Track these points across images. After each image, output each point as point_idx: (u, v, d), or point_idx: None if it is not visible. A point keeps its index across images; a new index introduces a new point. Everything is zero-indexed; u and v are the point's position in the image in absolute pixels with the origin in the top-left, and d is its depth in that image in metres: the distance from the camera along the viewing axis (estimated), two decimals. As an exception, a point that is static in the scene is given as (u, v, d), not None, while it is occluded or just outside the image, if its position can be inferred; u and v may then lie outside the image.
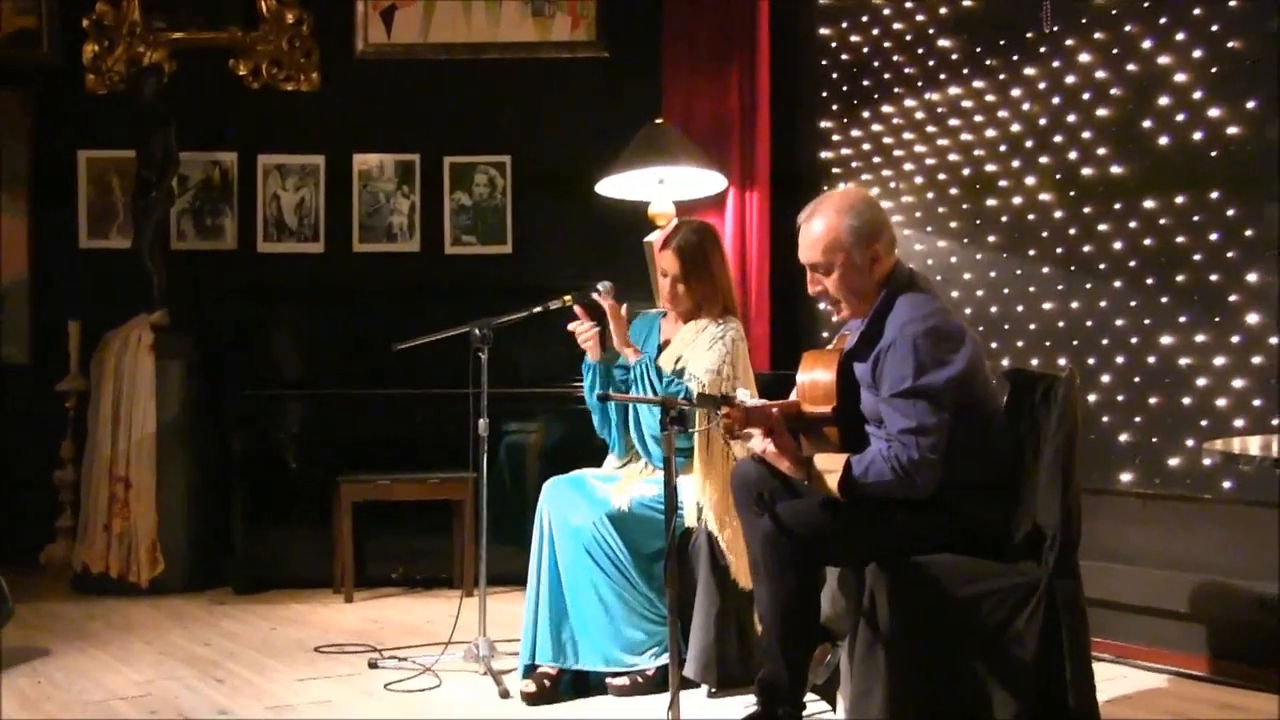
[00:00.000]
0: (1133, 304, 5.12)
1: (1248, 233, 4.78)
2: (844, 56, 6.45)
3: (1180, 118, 4.99)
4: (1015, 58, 5.59)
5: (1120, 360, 5.15)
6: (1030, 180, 5.52)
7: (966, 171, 5.80)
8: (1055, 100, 5.42)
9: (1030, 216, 5.52)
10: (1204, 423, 4.86)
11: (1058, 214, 5.41)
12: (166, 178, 6.81)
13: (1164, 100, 5.03)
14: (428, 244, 7.29)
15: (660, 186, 6.16)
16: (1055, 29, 5.37)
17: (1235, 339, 4.79)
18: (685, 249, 4.69)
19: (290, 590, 6.43)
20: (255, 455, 6.49)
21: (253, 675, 4.84)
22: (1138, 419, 5.09)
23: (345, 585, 6.26)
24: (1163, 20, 5.04)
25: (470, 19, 7.28)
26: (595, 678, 4.48)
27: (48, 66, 7.20)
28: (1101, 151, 5.26)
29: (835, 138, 6.50)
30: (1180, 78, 4.99)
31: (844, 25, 6.44)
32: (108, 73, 7.14)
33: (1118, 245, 5.18)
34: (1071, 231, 5.35)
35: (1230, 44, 4.85)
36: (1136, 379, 5.09)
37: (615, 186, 6.25)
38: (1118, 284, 5.18)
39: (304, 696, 4.53)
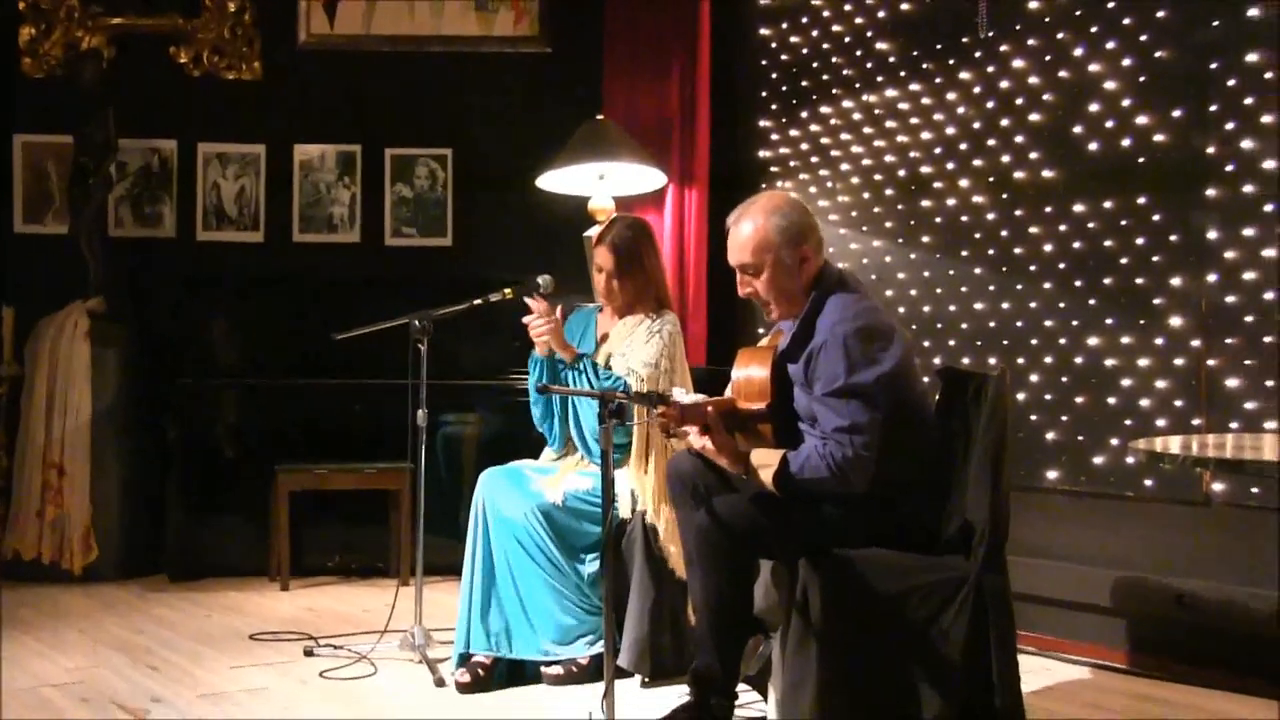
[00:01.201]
0: (1062, 305, 5.19)
1: (1172, 238, 4.85)
2: (783, 57, 6.48)
3: (1110, 124, 5.05)
4: (951, 62, 5.64)
5: (1049, 360, 5.21)
6: (964, 182, 5.57)
7: (902, 173, 5.85)
8: (989, 104, 5.48)
9: (963, 218, 5.57)
10: (1128, 422, 4.93)
11: (990, 216, 5.47)
12: (104, 164, 6.73)
13: (1094, 107, 5.10)
14: (368, 235, 7.26)
15: (600, 182, 6.17)
16: (990, 35, 5.41)
17: (1159, 341, 4.86)
18: (619, 244, 4.71)
19: (226, 578, 6.39)
20: (192, 444, 6.43)
21: (186, 663, 4.80)
22: (1065, 418, 5.15)
23: (281, 574, 6.23)
24: (1094, 29, 5.10)
25: (413, 12, 7.24)
26: (530, 667, 4.49)
27: (-18, 50, 7.10)
28: (1034, 156, 5.32)
29: (774, 137, 6.53)
30: (1110, 85, 5.05)
31: (784, 26, 6.47)
32: (45, 57, 7.04)
33: (1048, 248, 5.24)
34: (1003, 233, 5.41)
35: (1158, 54, 4.92)
36: (1064, 379, 5.16)
37: (556, 181, 6.25)
38: (1047, 285, 5.24)
39: (238, 684, 4.51)
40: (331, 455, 6.31)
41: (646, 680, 4.43)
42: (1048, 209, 5.26)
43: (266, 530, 6.33)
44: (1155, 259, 4.90)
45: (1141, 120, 4.96)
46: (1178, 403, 4.80)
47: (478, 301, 4.85)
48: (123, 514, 6.53)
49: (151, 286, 6.91)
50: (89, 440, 6.43)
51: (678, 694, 3.90)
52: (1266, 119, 4.58)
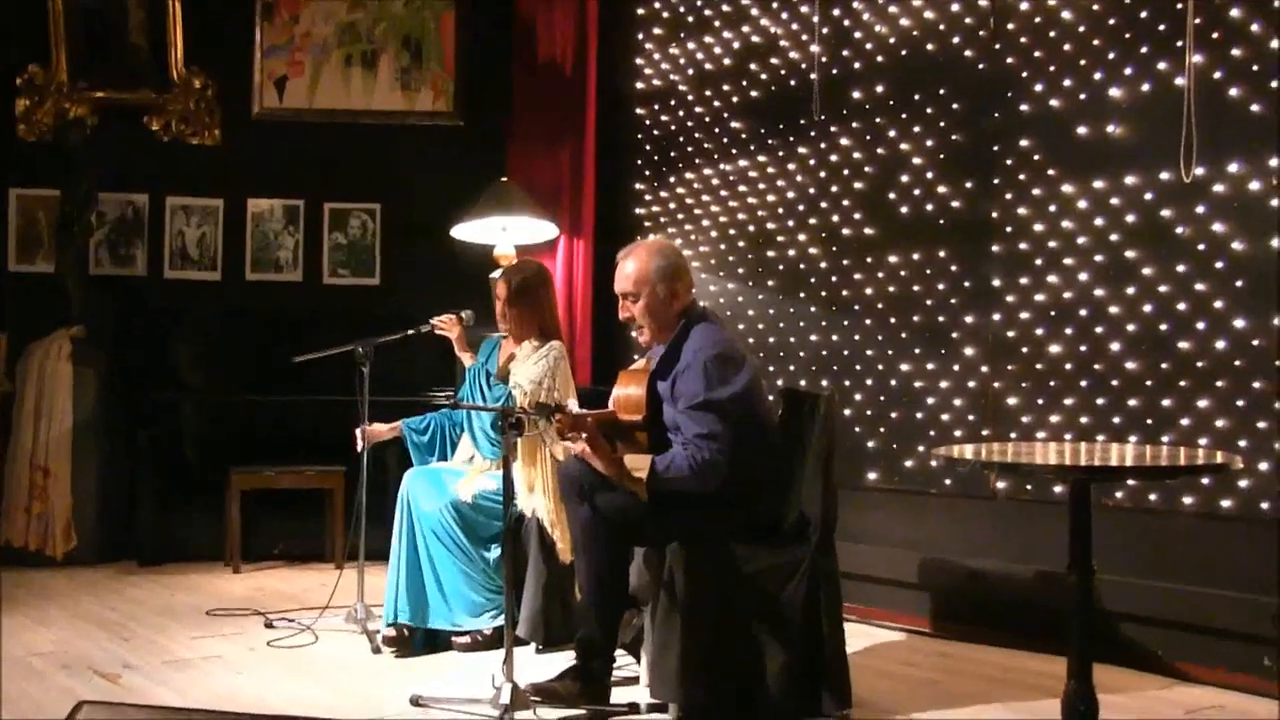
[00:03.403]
0: (879, 338, 5.25)
1: (966, 284, 4.94)
2: (656, 132, 6.50)
3: (917, 192, 5.13)
4: (790, 139, 5.69)
5: (869, 382, 5.27)
6: (801, 237, 5.62)
7: (751, 228, 5.89)
8: (821, 174, 5.54)
9: (801, 265, 5.62)
10: (931, 433, 5.00)
11: (822, 264, 5.52)
12: (86, 214, 6.59)
13: (905, 177, 5.17)
14: (309, 275, 7.13)
15: (503, 233, 6.13)
16: (822, 117, 5.48)
17: (956, 368, 4.94)
18: (514, 281, 4.70)
19: (187, 563, 6.21)
20: (158, 449, 6.28)
21: (153, 634, 4.68)
22: (882, 429, 5.21)
23: (234, 559, 6.08)
24: (904, 115, 5.18)
25: (349, 89, 7.16)
26: (443, 637, 4.43)
27: (-18, 118, 6.91)
28: (857, 216, 5.38)
29: (648, 197, 6.54)
30: (917, 160, 5.13)
31: (656, 107, 6.49)
32: (37, 124, 6.85)
33: (868, 290, 5.31)
34: (833, 279, 5.47)
35: (954, 136, 5.01)
36: (881, 397, 5.22)
37: (467, 232, 6.20)
38: (868, 322, 5.30)
39: (198, 652, 4.40)
40: (277, 459, 6.19)
41: (540, 647, 4.40)
42: (868, 259, 5.32)
43: (222, 522, 6.16)
44: (953, 301, 4.98)
45: (942, 189, 5.04)
46: (970, 417, 4.88)
47: (410, 331, 4.86)
48: (99, 508, 6.34)
49: (125, 317, 6.73)
50: (70, 446, 6.25)
51: (566, 658, 3.86)
52: (1036, 190, 4.68)
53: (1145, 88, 4.35)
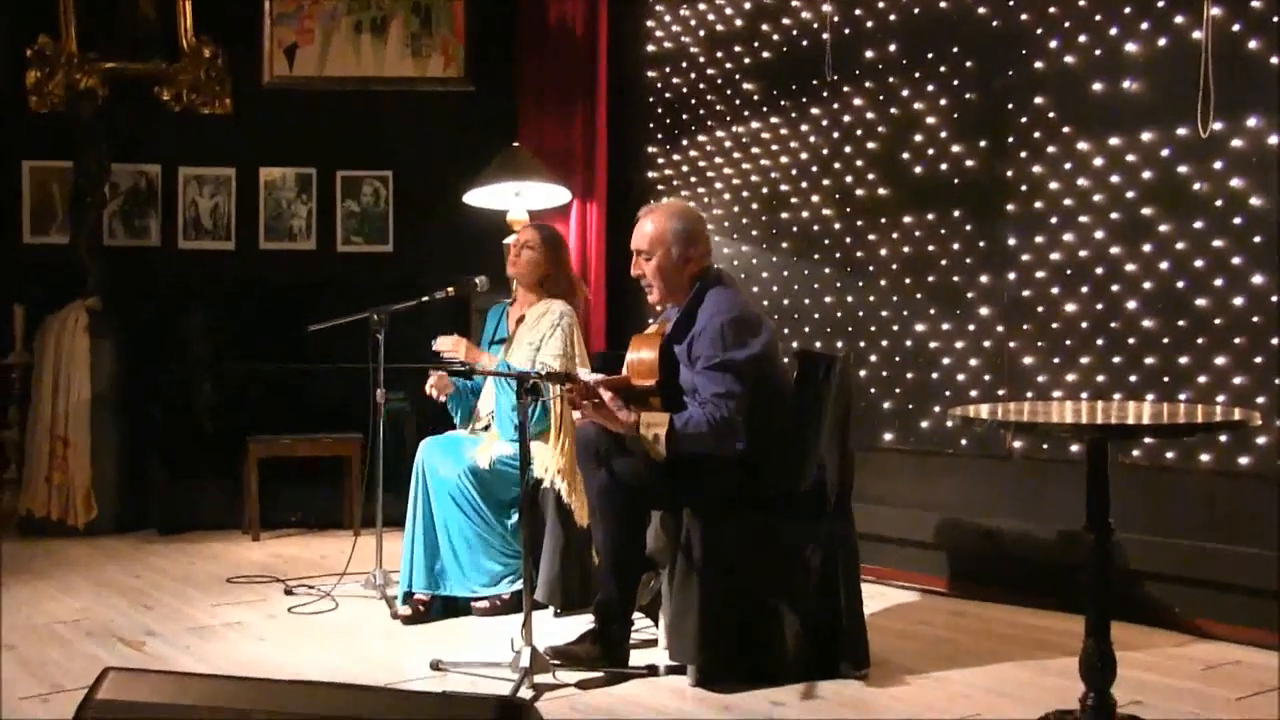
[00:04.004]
0: (894, 299, 5.24)
1: (981, 244, 4.92)
2: (667, 95, 6.47)
3: (930, 152, 5.10)
4: (803, 100, 5.66)
5: (884, 344, 5.26)
6: (815, 199, 5.61)
7: (764, 191, 5.87)
8: (834, 135, 5.51)
9: (815, 228, 5.60)
10: (947, 393, 4.99)
11: (836, 226, 5.50)
12: (100, 186, 6.59)
13: (918, 137, 5.15)
14: (322, 243, 7.14)
15: (516, 198, 6.12)
16: (835, 78, 5.44)
17: (971, 328, 4.93)
18: (543, 229, 4.79)
19: (207, 531, 6.25)
20: (176, 419, 6.35)
21: (175, 602, 4.72)
22: (897, 390, 5.21)
23: (253, 527, 6.12)
24: (917, 75, 5.15)
25: (360, 56, 7.13)
26: (462, 602, 4.45)
27: (-5, 90, 6.91)
28: (870, 177, 5.36)
29: (660, 161, 6.52)
30: (931, 120, 5.10)
31: (667, 70, 6.46)
32: (48, 95, 6.85)
33: (883, 252, 5.29)
34: (847, 240, 5.45)
35: (968, 95, 4.97)
36: (897, 359, 5.21)
37: (479, 198, 6.19)
38: (883, 283, 5.28)
39: (219, 619, 4.44)
40: (294, 428, 6.23)
41: (558, 611, 4.43)
42: (882, 220, 5.30)
43: (240, 491, 6.21)
44: (967, 261, 4.96)
45: (955, 149, 5.01)
46: (986, 377, 4.88)
47: (425, 298, 4.84)
48: (119, 478, 6.38)
49: (140, 288, 6.75)
50: (89, 416, 6.28)
51: (584, 622, 3.88)
52: (1051, 149, 4.65)
53: (1162, 42, 4.31)
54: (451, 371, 4.71)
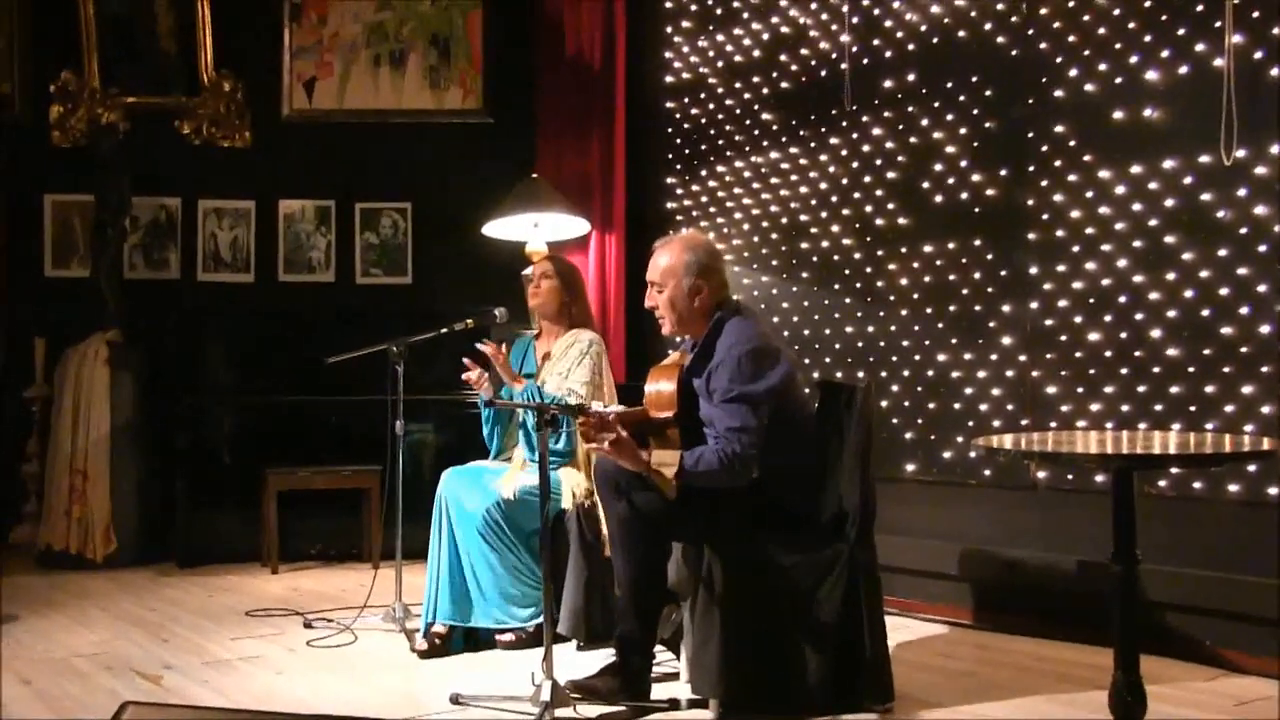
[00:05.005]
0: (915, 328, 5.22)
1: (1002, 272, 4.91)
2: (686, 125, 6.49)
3: (950, 181, 5.10)
4: (822, 130, 5.67)
5: (905, 373, 5.24)
6: (835, 228, 5.60)
7: (784, 220, 5.87)
8: (854, 164, 5.51)
9: (835, 257, 5.60)
10: (969, 423, 4.97)
11: (856, 255, 5.50)
12: (120, 218, 6.66)
13: (938, 166, 5.14)
14: (341, 275, 7.19)
15: (535, 229, 6.15)
16: (854, 108, 5.46)
17: (993, 357, 4.91)
18: (557, 259, 4.83)
19: (225, 564, 6.26)
20: (195, 451, 6.32)
21: (193, 635, 4.72)
22: (919, 420, 5.18)
23: (271, 559, 6.12)
24: (936, 104, 5.15)
25: (378, 89, 7.21)
26: (485, 634, 4.43)
27: (19, 124, 6.97)
28: (890, 206, 5.36)
29: (679, 191, 6.54)
30: (950, 149, 5.10)
31: (686, 100, 6.48)
32: (71, 130, 6.94)
33: (903, 281, 5.28)
34: (867, 270, 5.44)
35: (988, 124, 4.97)
36: (918, 388, 5.19)
37: (498, 229, 6.22)
38: (904, 312, 5.27)
39: (237, 653, 4.43)
40: (312, 460, 6.23)
41: (582, 645, 4.40)
42: (902, 249, 5.29)
43: (258, 523, 6.21)
44: (989, 290, 4.95)
45: (976, 177, 5.01)
46: (1009, 407, 4.85)
47: (444, 330, 4.81)
48: (137, 511, 6.40)
49: (160, 320, 6.79)
50: (108, 449, 6.31)
51: (606, 655, 3.86)
52: (1072, 177, 4.64)
53: (1183, 70, 4.31)
54: (471, 405, 4.69)
